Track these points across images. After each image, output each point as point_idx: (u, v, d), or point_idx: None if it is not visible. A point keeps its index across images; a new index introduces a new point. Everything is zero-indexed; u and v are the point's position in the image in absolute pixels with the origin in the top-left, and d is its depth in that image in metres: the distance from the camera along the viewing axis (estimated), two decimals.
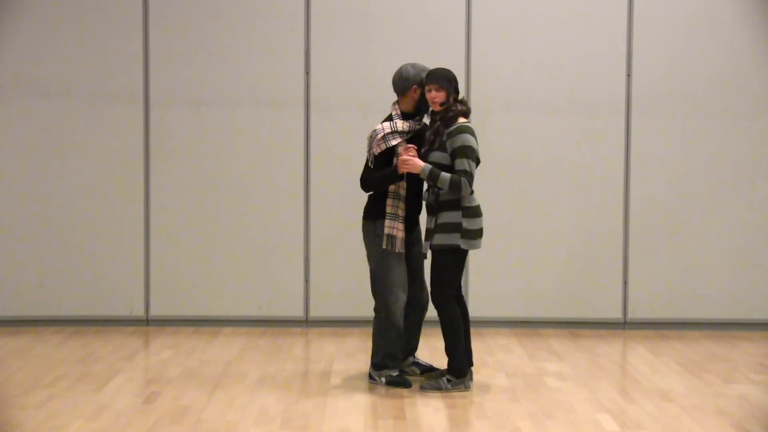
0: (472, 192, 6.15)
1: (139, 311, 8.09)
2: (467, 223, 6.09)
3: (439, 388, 6.19)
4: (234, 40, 8.01)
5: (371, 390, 6.21)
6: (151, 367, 6.88)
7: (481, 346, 7.44)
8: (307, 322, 8.12)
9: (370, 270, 6.36)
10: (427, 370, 6.53)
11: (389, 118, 6.32)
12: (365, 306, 6.59)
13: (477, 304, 8.09)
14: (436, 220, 6.14)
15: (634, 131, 8.06)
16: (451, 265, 6.15)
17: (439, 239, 6.11)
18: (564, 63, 8.04)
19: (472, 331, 7.93)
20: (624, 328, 8.13)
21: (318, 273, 8.07)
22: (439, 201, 6.12)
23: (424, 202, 6.31)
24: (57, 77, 7.97)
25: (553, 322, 8.12)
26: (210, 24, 8.01)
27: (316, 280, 8.08)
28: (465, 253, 6.18)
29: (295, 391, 6.21)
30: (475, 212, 6.13)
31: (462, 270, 6.24)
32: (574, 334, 7.95)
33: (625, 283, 8.11)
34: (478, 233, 6.15)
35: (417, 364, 6.57)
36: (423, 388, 6.21)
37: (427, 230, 6.22)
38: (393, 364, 6.33)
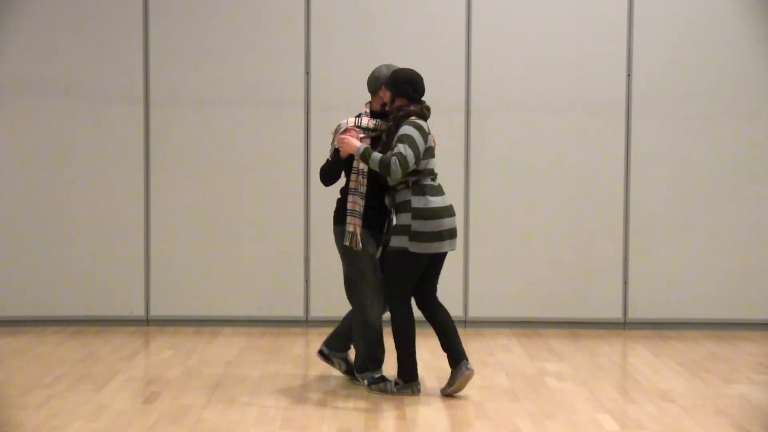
0: (421, 194, 5.99)
1: (139, 311, 8.09)
2: (416, 225, 5.95)
3: (385, 391, 6.12)
4: (234, 40, 8.01)
5: (371, 390, 6.20)
6: (151, 367, 6.88)
7: (481, 346, 7.44)
8: (307, 322, 8.12)
9: (344, 273, 6.27)
10: (351, 372, 6.48)
11: (358, 116, 6.31)
12: None
13: (477, 304, 8.09)
14: (396, 223, 6.09)
15: (634, 131, 8.06)
16: (399, 267, 6.05)
17: (393, 241, 6.05)
18: (564, 63, 8.04)
19: (472, 331, 7.96)
20: (624, 328, 8.13)
21: (318, 273, 8.07)
22: (396, 203, 6.07)
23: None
24: (57, 77, 7.97)
25: (553, 322, 8.12)
26: (210, 24, 8.01)
27: (316, 280, 8.08)
28: (416, 256, 6.00)
29: (295, 391, 6.20)
30: (429, 214, 5.96)
31: (414, 273, 6.07)
32: (574, 334, 7.95)
33: (625, 283, 8.11)
34: (432, 236, 5.97)
35: (347, 361, 6.48)
36: (369, 386, 6.18)
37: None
38: (374, 366, 6.28)
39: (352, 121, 6.26)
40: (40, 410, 5.70)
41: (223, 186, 8.05)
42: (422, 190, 6.00)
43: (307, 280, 8.09)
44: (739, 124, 8.06)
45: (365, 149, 6.01)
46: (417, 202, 5.98)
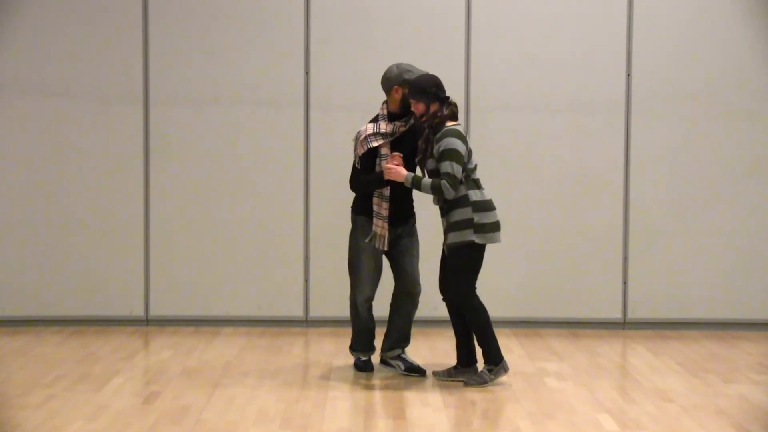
0: (476, 187, 6.20)
1: (139, 311, 8.09)
2: (479, 217, 6.15)
3: (483, 382, 6.21)
4: (234, 40, 8.01)
5: (371, 390, 6.21)
6: (151, 367, 6.88)
7: None
8: (306, 322, 8.12)
9: (348, 259, 6.59)
10: (412, 370, 6.52)
11: (375, 119, 6.39)
12: None
13: None
14: (447, 220, 6.21)
15: (634, 131, 8.06)
16: (466, 261, 6.20)
17: (453, 237, 6.18)
18: (564, 62, 8.04)
19: None
20: (624, 328, 8.13)
21: (318, 273, 8.07)
22: (448, 201, 6.17)
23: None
24: (57, 77, 7.97)
25: (553, 322, 8.12)
26: (210, 24, 8.01)
27: (316, 280, 8.08)
28: (481, 248, 6.21)
29: (295, 390, 6.21)
30: (485, 206, 6.19)
31: (479, 265, 6.26)
32: (574, 334, 7.95)
33: (625, 283, 8.11)
34: (493, 226, 6.20)
35: (403, 359, 6.58)
36: (467, 384, 6.23)
37: (444, 232, 6.30)
38: (359, 348, 6.62)
39: (370, 127, 6.35)
40: (39, 410, 5.70)
41: (222, 186, 8.05)
42: (476, 184, 6.23)
43: (306, 280, 8.09)
44: (739, 124, 8.06)
45: (414, 177, 6.19)
46: (475, 195, 6.18)
